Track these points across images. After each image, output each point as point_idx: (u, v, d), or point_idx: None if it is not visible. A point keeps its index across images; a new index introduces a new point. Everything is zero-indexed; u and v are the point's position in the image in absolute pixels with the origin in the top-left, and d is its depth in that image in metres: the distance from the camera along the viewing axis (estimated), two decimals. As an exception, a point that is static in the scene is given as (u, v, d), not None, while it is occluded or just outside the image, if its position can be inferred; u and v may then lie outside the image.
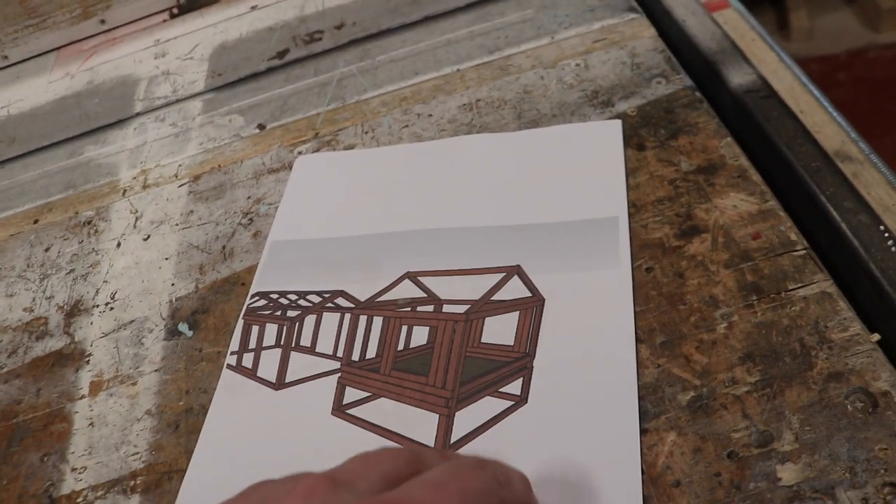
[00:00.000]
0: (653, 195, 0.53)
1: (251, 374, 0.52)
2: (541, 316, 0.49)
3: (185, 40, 0.88)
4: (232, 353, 0.54)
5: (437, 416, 0.46)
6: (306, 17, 0.82)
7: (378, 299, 0.54)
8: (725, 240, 0.49)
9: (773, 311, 0.45)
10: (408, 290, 0.53)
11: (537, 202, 0.55)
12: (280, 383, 0.51)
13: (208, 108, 0.77)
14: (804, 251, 0.47)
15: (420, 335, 0.51)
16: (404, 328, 0.51)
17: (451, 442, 0.45)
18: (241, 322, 0.56)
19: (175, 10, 0.93)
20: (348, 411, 0.48)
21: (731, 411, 0.42)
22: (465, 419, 0.46)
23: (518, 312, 0.49)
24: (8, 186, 0.79)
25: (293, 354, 0.53)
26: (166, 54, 0.87)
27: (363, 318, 0.53)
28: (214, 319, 0.57)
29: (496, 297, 0.51)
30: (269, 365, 0.52)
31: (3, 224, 0.74)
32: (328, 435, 0.47)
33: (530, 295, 0.50)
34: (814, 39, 1.78)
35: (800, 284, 0.46)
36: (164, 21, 0.93)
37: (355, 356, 0.51)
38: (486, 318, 0.50)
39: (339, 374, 0.50)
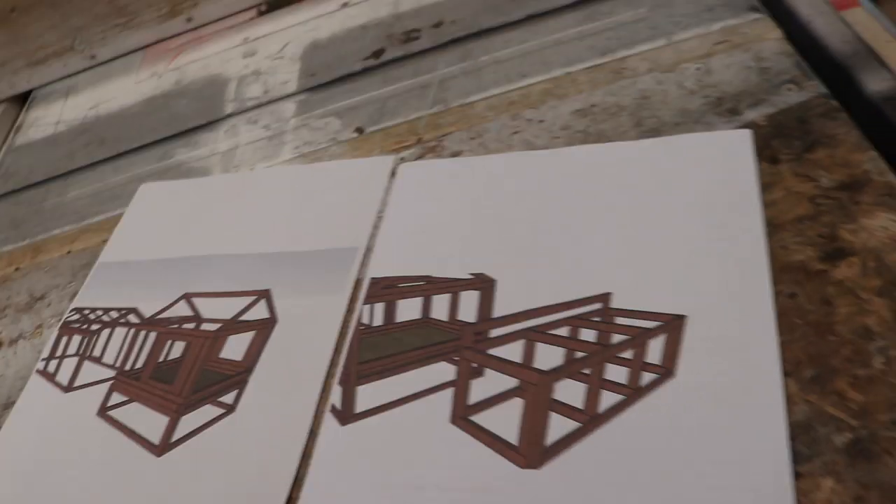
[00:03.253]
0: (791, 213, 0.49)
1: (51, 377, 0.60)
2: (269, 335, 0.56)
3: (274, 38, 0.86)
4: (42, 360, 0.62)
5: (168, 418, 0.53)
6: (401, 14, 0.79)
7: (158, 316, 0.61)
8: (876, 265, 0.45)
9: (936, 345, 0.41)
10: (182, 310, 0.60)
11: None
12: (69, 387, 0.59)
13: (302, 109, 0.75)
14: (968, 279, 0.43)
15: (179, 349, 0.58)
16: (168, 342, 0.58)
17: (172, 441, 0.52)
18: (55, 333, 0.63)
19: (263, 7, 0.91)
20: (109, 413, 0.55)
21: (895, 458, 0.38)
22: (189, 422, 0.53)
23: (254, 332, 0.56)
24: (99, 190, 0.78)
25: (86, 363, 0.60)
26: (255, 53, 0.85)
27: (142, 333, 0.60)
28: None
29: (245, 317, 0.58)
30: (66, 371, 0.60)
31: (95, 229, 0.73)
32: (89, 435, 0.55)
33: (268, 317, 0.57)
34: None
35: (966, 316, 0.42)
36: (252, 19, 0.91)
37: (129, 365, 0.58)
38: (230, 336, 0.57)
39: (112, 382, 0.57)
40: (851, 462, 0.39)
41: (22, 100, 0.97)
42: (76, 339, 0.62)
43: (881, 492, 0.37)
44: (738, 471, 0.40)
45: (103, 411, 0.56)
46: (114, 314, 0.63)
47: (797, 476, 0.39)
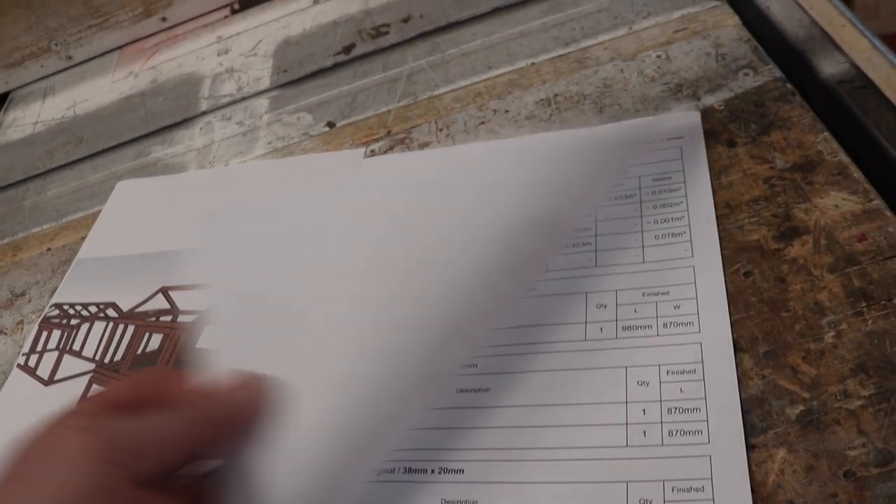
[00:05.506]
0: (747, 195, 0.51)
1: (32, 371, 0.61)
2: None
3: (247, 36, 0.87)
4: (23, 355, 0.63)
5: None
6: (371, 10, 0.81)
7: (136, 310, 0.62)
8: (828, 242, 0.47)
9: (884, 319, 0.43)
10: (159, 303, 0.61)
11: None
12: (50, 380, 0.60)
13: (275, 105, 0.76)
14: (916, 254, 0.45)
15: (157, 341, 0.59)
16: (146, 334, 0.60)
17: None
18: (35, 327, 0.64)
19: (236, 6, 0.92)
20: None
21: (844, 427, 0.40)
22: None
23: None
24: (77, 188, 0.79)
25: (66, 357, 0.61)
26: (229, 51, 0.86)
27: (120, 327, 0.61)
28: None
29: None
30: (47, 365, 0.61)
31: (74, 226, 0.74)
32: None
33: None
34: (879, 17, 1.72)
35: (913, 291, 0.43)
36: (226, 17, 0.92)
37: (108, 358, 0.60)
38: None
39: (92, 374, 0.59)
40: (803, 432, 0.40)
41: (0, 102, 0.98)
42: (56, 333, 0.63)
43: (830, 459, 0.39)
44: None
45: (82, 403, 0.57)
46: (93, 309, 0.64)
47: (752, 447, 0.40)
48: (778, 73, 0.57)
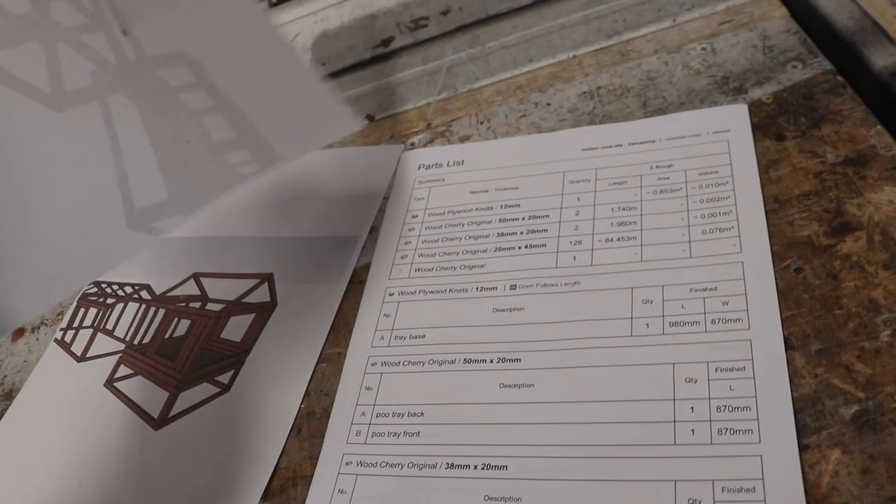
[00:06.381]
0: (797, 189, 0.49)
1: (67, 347, 0.62)
2: (268, 319, 0.57)
3: (284, 29, 0.87)
4: (60, 329, 0.64)
5: (168, 393, 0.56)
6: (409, 2, 0.80)
7: (168, 294, 0.62)
8: (883, 238, 0.45)
9: (942, 318, 0.41)
10: (190, 288, 0.62)
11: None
12: (82, 357, 0.61)
13: (313, 99, 0.76)
14: (974, 251, 0.43)
15: (184, 326, 0.59)
16: (175, 319, 0.60)
17: (170, 416, 0.54)
18: (74, 304, 0.66)
19: (273, 0, 0.92)
20: (115, 384, 0.58)
21: (902, 428, 0.38)
22: (186, 399, 0.55)
23: (254, 315, 0.58)
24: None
25: (99, 335, 0.62)
26: (266, 44, 0.86)
27: (152, 309, 0.62)
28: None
29: (247, 300, 0.59)
30: (81, 342, 0.62)
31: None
32: (96, 404, 0.57)
33: (268, 300, 0.59)
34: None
35: (972, 289, 0.42)
36: (263, 11, 0.91)
37: (137, 340, 0.60)
38: (232, 317, 0.58)
39: (121, 354, 0.60)
40: (858, 433, 0.39)
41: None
42: (92, 311, 0.65)
43: (888, 462, 0.38)
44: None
45: (110, 382, 0.58)
46: (128, 289, 0.65)
47: (804, 448, 0.39)
48: (828, 65, 0.56)
